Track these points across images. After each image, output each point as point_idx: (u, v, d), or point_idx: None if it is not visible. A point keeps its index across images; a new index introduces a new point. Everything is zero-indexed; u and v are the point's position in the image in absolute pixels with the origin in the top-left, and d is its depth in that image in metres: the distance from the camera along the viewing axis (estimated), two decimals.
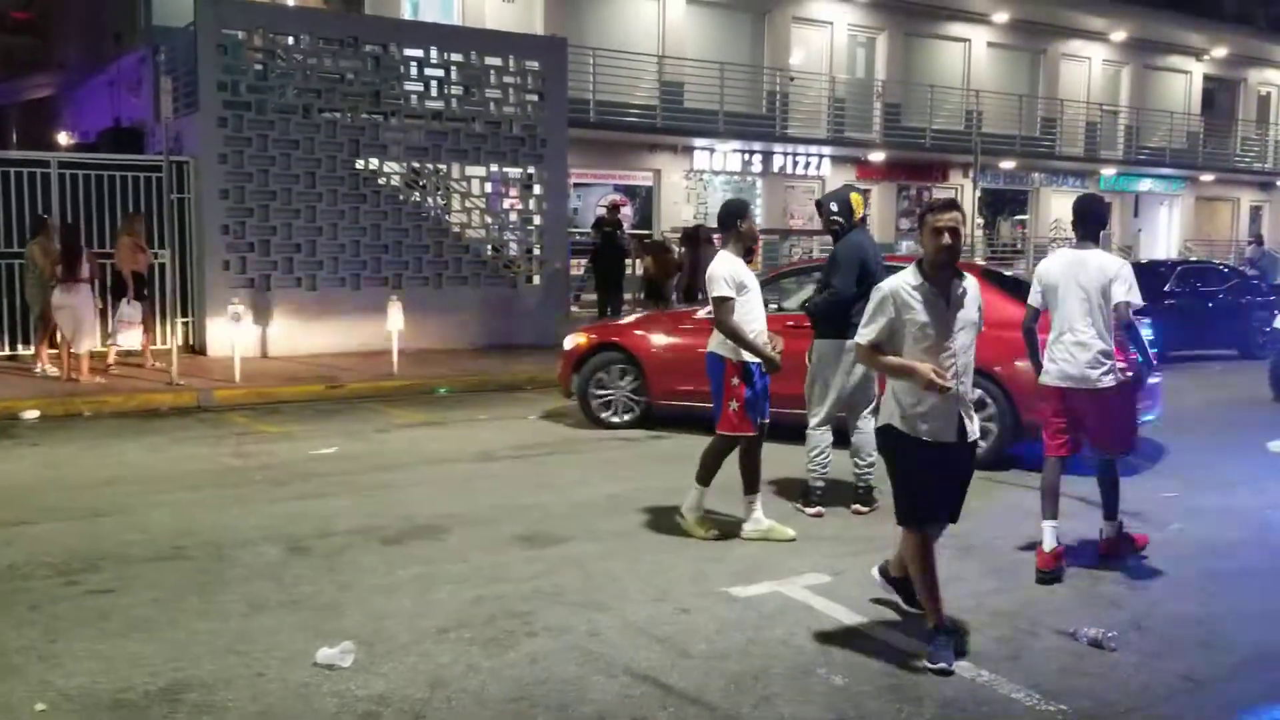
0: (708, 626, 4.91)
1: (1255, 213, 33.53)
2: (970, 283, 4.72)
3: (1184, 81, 31.51)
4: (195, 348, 14.30)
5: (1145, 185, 29.99)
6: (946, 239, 4.54)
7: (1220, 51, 31.42)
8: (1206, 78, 32.14)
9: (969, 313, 4.69)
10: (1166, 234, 30.99)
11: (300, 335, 14.31)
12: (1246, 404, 12.13)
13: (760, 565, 5.85)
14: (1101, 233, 6.18)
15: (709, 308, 6.53)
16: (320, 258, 14.69)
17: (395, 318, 12.80)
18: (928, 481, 4.68)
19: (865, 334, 4.69)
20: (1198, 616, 5.16)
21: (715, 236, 17.98)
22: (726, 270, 6.24)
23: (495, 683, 4.28)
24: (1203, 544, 6.41)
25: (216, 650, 4.60)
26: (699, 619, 5.01)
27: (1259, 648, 4.80)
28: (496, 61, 15.85)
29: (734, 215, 6.51)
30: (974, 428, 4.74)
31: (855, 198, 7.33)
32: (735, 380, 6.26)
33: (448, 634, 4.79)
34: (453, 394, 12.27)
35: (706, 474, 6.43)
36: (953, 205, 4.69)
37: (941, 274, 4.60)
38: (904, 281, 4.62)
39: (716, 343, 6.35)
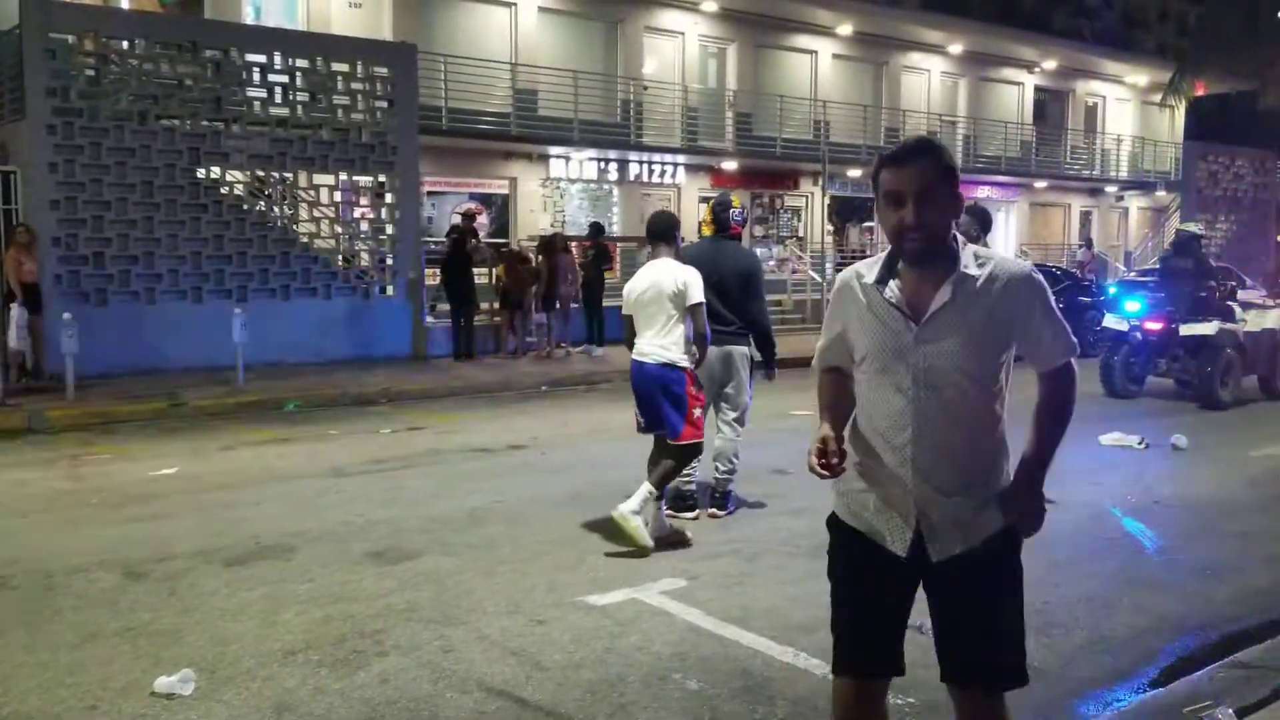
0: (563, 637, 4.87)
1: (1085, 218, 35.19)
2: (995, 274, 2.67)
3: (1017, 93, 32.90)
4: (28, 366, 13.56)
5: (983, 192, 31.18)
6: (908, 216, 2.61)
7: (1050, 64, 32.90)
8: (1038, 89, 33.60)
9: (967, 337, 2.64)
10: (1004, 239, 32.27)
11: (140, 351, 13.72)
12: (1079, 399, 12.67)
13: (616, 573, 5.84)
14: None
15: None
16: (159, 270, 14.12)
17: (239, 331, 12.39)
18: (849, 601, 2.84)
19: (817, 352, 2.97)
20: (1036, 605, 5.35)
21: (573, 245, 18.08)
22: (697, 278, 6.39)
23: (344, 705, 4.16)
24: (1040, 534, 6.64)
25: (45, 684, 4.35)
26: (554, 630, 4.96)
27: (1095, 632, 5.01)
28: (344, 67, 15.52)
29: (673, 227, 6.67)
30: (952, 543, 2.72)
31: (708, 206, 7.45)
32: (695, 388, 6.42)
33: (295, 656, 4.64)
34: (302, 409, 11.94)
35: (663, 483, 6.44)
36: (920, 150, 2.67)
37: (914, 270, 2.69)
38: (855, 272, 2.84)
39: (677, 353, 6.34)
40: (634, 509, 6.15)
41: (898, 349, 2.66)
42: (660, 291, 6.33)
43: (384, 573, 5.88)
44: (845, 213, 29.01)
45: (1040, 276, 2.72)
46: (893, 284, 2.69)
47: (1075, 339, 2.78)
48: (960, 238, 2.71)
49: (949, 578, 2.73)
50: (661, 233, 6.61)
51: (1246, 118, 31.44)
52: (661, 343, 6.34)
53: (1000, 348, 2.68)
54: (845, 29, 27.34)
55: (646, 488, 6.27)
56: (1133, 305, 13.09)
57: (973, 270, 2.66)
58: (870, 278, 2.74)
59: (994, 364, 2.67)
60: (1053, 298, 2.76)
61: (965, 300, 2.62)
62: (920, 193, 2.59)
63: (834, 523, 2.88)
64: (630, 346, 6.52)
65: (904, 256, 2.67)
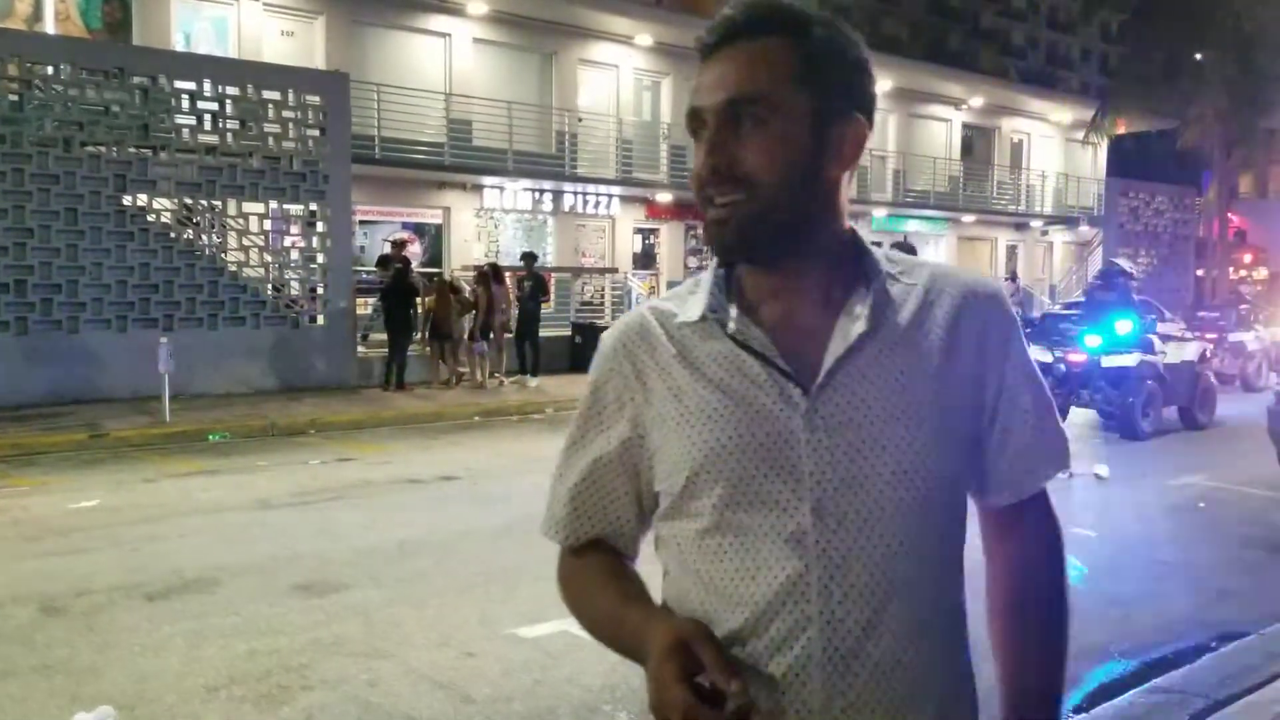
0: (493, 669, 4.83)
1: (1011, 251, 35.95)
2: (933, 289, 1.38)
3: (945, 129, 33.57)
4: None
5: (912, 226, 31.71)
6: (700, 157, 1.31)
7: (977, 101, 33.65)
8: (965, 125, 34.33)
9: (909, 406, 1.30)
10: None
11: (61, 381, 13.40)
12: None
13: (548, 604, 5.77)
14: None
15: None
16: (83, 299, 13.83)
17: (165, 360, 12.17)
18: None
19: (552, 513, 1.55)
20: None
21: (508, 274, 18.03)
22: None
23: None
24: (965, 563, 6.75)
25: None
26: (484, 662, 4.92)
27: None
28: (275, 95, 15.37)
29: None
30: None
31: None
32: None
33: (218, 692, 4.54)
34: (228, 440, 11.73)
35: None
36: (754, 21, 1.29)
37: (769, 283, 1.36)
38: (655, 311, 1.42)
39: None
40: None
41: (771, 447, 1.27)
42: None
43: (311, 606, 5.79)
44: None
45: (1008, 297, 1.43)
46: (744, 320, 1.32)
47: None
48: (864, 236, 1.40)
49: None
50: None
51: (1166, 155, 32.37)
52: None
53: (968, 426, 1.36)
54: None
55: None
56: (1093, 340, 12.88)
57: (897, 278, 1.36)
58: (690, 313, 1.36)
59: (961, 461, 1.35)
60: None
61: (893, 331, 1.31)
62: (731, 107, 1.27)
63: None
64: None
65: (715, 252, 1.35)
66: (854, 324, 1.30)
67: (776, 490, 1.27)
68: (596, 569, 1.45)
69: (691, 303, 1.37)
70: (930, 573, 1.31)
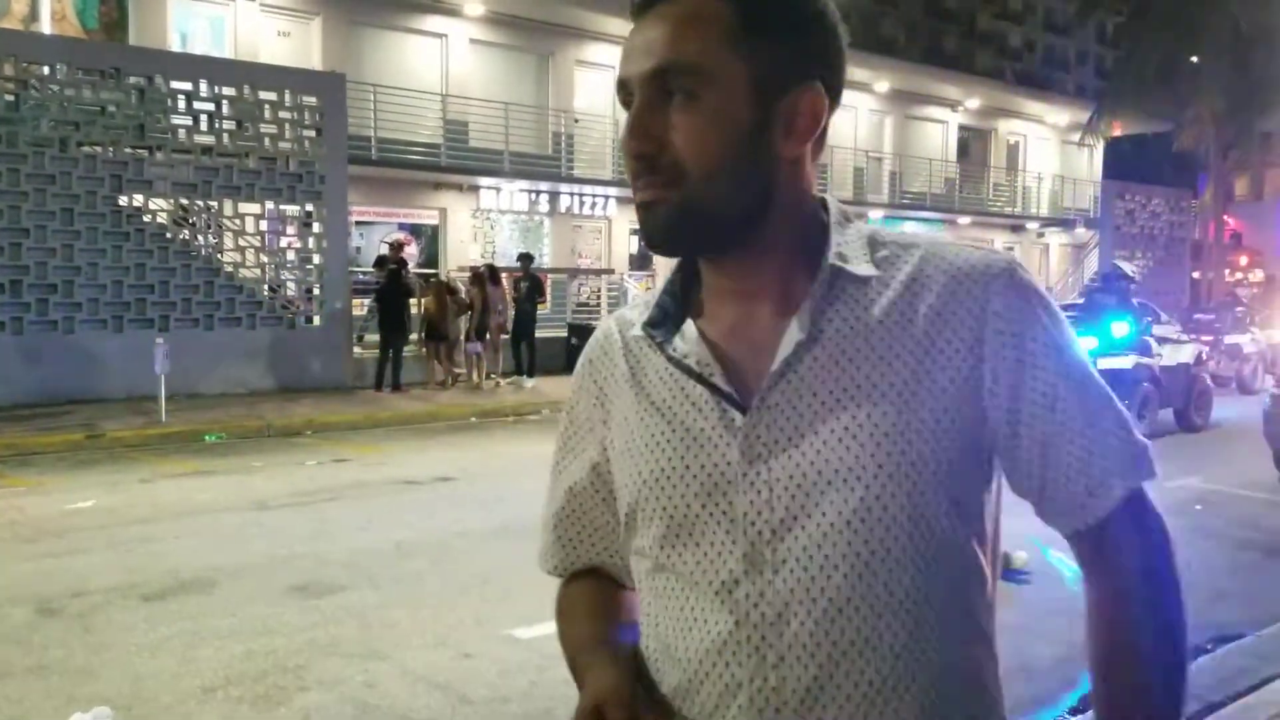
0: (490, 671, 4.83)
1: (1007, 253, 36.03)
2: (919, 273, 1.11)
3: (941, 131, 33.61)
4: None
5: (909, 228, 31.75)
6: (626, 131, 1.09)
7: (974, 103, 33.69)
8: (961, 127, 34.37)
9: (864, 424, 1.06)
10: None
11: (57, 381, 13.39)
12: None
13: (545, 606, 5.76)
14: None
15: None
16: (79, 299, 13.82)
17: (161, 361, 12.16)
18: None
19: (543, 542, 1.40)
20: None
21: (504, 275, 18.03)
22: None
23: None
24: None
25: None
26: (481, 663, 4.92)
27: (1016, 660, 5.06)
28: (271, 96, 15.37)
29: None
30: None
31: None
32: None
33: (214, 693, 4.54)
34: (224, 441, 11.72)
35: None
36: None
37: (720, 282, 1.17)
38: (619, 320, 1.29)
39: None
40: None
41: (706, 480, 1.10)
42: None
43: (307, 607, 5.78)
44: None
45: (1028, 274, 1.13)
46: (689, 330, 1.16)
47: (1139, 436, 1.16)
48: (836, 212, 1.17)
49: None
50: None
51: (1162, 158, 32.45)
52: None
53: (963, 446, 1.08)
54: None
55: None
56: (1089, 342, 12.22)
57: (859, 266, 1.11)
58: (638, 324, 1.20)
59: (947, 493, 1.07)
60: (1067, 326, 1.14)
61: (849, 336, 1.09)
62: (658, 77, 1.08)
63: None
64: None
65: (645, 241, 1.16)
66: (792, 334, 1.08)
67: (711, 531, 1.08)
68: (577, 603, 1.32)
69: (644, 309, 1.21)
70: (901, 630, 1.05)
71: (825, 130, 1.13)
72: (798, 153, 1.12)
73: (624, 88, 1.11)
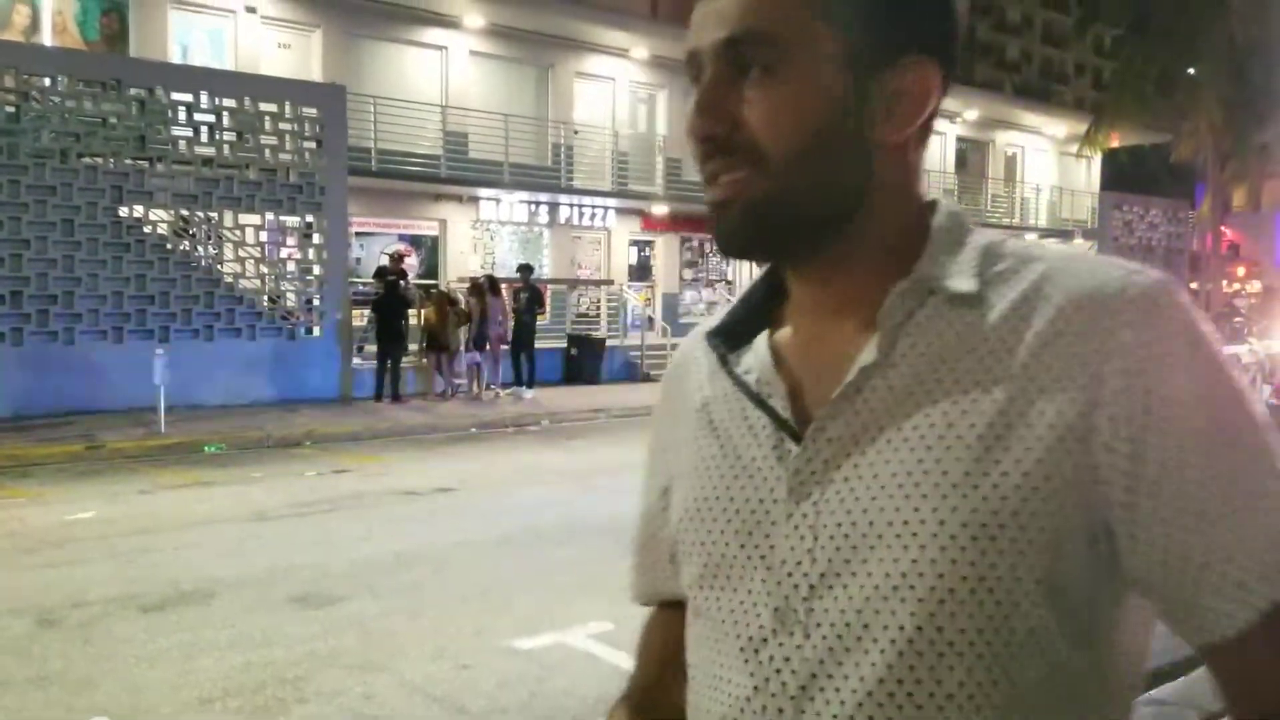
0: (488, 682, 4.84)
1: None
2: (1036, 293, 0.88)
3: (939, 142, 33.67)
4: None
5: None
6: (693, 115, 0.92)
7: (972, 114, 33.76)
8: (959, 139, 34.45)
9: (930, 470, 0.85)
10: None
11: (57, 392, 13.40)
12: None
13: (544, 616, 5.82)
14: None
15: None
16: (79, 310, 13.84)
17: (161, 372, 12.17)
18: None
19: (633, 564, 1.20)
20: None
21: (503, 285, 18.07)
22: None
23: None
24: None
25: None
26: (479, 674, 4.93)
27: None
28: (272, 108, 15.41)
29: None
30: None
31: None
32: None
33: (212, 704, 4.55)
34: (224, 451, 11.73)
35: None
36: None
37: (810, 296, 0.99)
38: (702, 333, 1.06)
39: None
40: None
41: (749, 516, 0.95)
42: None
43: (307, 618, 5.79)
44: None
45: (1178, 298, 0.87)
46: (760, 344, 1.01)
47: None
48: (946, 216, 0.97)
49: None
50: None
51: (1160, 169, 32.54)
52: None
53: (1059, 517, 0.83)
54: None
55: None
56: None
57: (957, 280, 0.91)
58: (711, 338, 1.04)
59: (1032, 572, 0.83)
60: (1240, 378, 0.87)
61: (930, 362, 0.89)
62: (732, 47, 0.91)
63: None
64: None
65: (719, 245, 0.98)
66: (867, 354, 0.90)
67: (747, 576, 0.93)
68: (641, 642, 1.20)
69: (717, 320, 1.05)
70: None
71: (934, 115, 0.96)
72: (900, 139, 0.94)
73: (693, 61, 0.95)
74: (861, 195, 0.93)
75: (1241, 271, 31.79)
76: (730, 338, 1.01)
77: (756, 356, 0.99)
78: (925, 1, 0.93)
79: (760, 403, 0.95)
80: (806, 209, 0.92)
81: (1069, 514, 0.83)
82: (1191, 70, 27.45)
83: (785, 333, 1.00)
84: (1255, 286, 31.06)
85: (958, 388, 0.86)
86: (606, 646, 5.31)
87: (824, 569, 0.88)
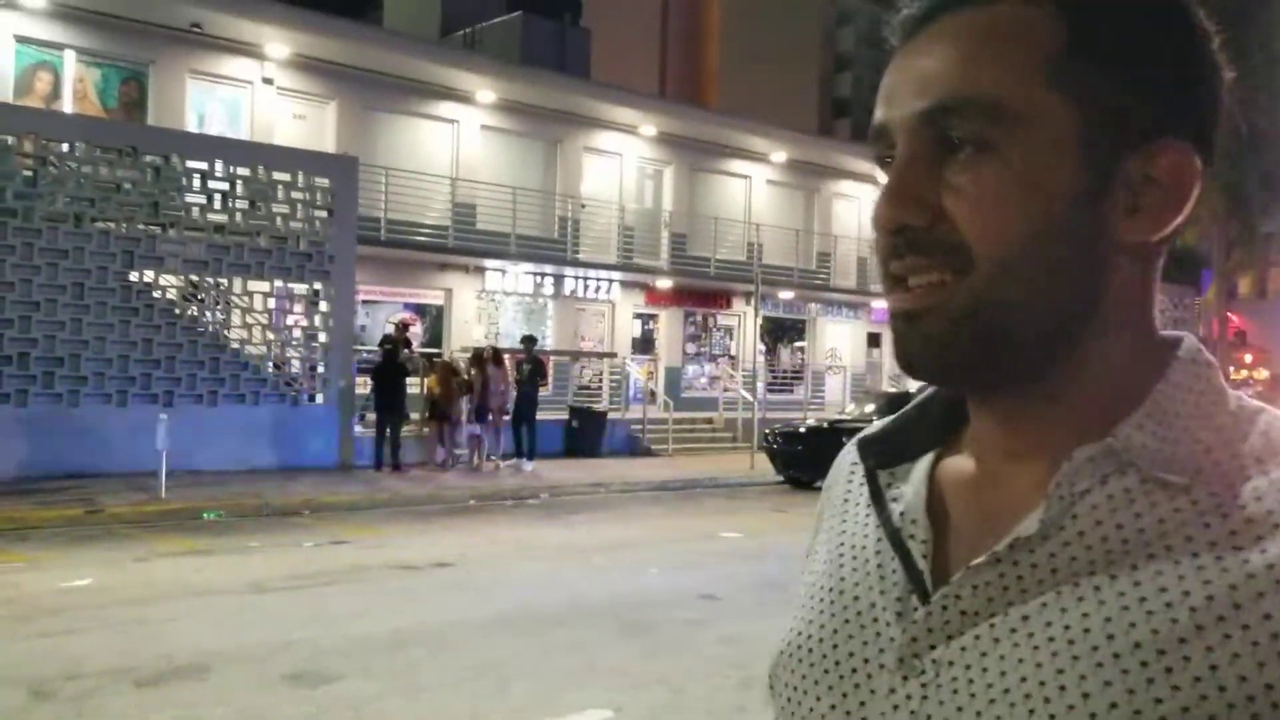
0: None
1: None
2: None
3: None
4: None
5: None
6: (880, 200, 0.75)
7: None
8: None
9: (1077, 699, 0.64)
10: None
11: (59, 454, 13.41)
12: None
13: (541, 701, 5.77)
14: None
15: None
16: (84, 373, 13.90)
17: (163, 437, 12.18)
18: None
19: None
20: None
21: (506, 356, 18.13)
22: None
23: None
24: None
25: None
26: None
27: None
28: (285, 177, 15.62)
29: None
30: None
31: None
32: None
33: None
34: (222, 519, 11.70)
35: None
36: None
37: (994, 426, 0.78)
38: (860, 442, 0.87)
39: None
40: None
41: (847, 674, 0.78)
42: None
43: (302, 697, 5.74)
44: (777, 333, 29.51)
45: None
46: (918, 470, 0.84)
47: None
48: (1190, 355, 0.76)
49: None
50: None
51: (1167, 256, 32.75)
52: None
53: None
54: (779, 156, 28.17)
55: None
56: None
57: (1172, 468, 0.70)
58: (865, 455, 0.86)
59: None
60: None
61: (1105, 553, 0.69)
62: (934, 121, 0.73)
63: None
64: None
65: (902, 364, 0.77)
66: (1028, 524, 0.72)
67: None
68: None
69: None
70: None
71: (1188, 217, 0.75)
72: (1145, 240, 0.74)
73: (882, 137, 0.77)
74: (1092, 308, 0.74)
75: (1249, 359, 31.86)
76: (890, 449, 0.85)
77: (912, 485, 0.82)
78: (1189, 75, 0.74)
79: (897, 543, 0.79)
80: (1023, 323, 0.73)
81: None
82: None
83: (957, 462, 0.82)
84: (1263, 374, 31.12)
85: (1134, 594, 0.67)
86: None
87: None
